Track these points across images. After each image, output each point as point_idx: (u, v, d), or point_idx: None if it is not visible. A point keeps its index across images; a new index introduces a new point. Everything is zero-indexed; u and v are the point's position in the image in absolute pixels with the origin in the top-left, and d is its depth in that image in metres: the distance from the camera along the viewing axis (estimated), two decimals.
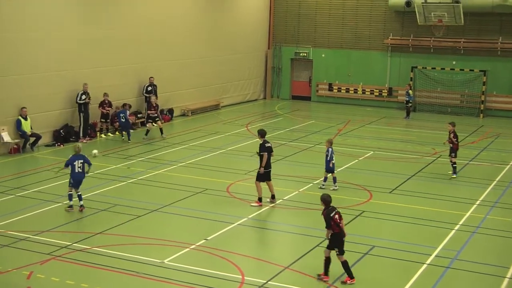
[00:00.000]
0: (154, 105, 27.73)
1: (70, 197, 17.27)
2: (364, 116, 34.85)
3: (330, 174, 20.18)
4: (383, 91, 38.20)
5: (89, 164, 17.57)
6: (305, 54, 40.17)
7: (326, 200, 13.24)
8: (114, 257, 13.97)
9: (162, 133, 27.40)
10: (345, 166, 23.11)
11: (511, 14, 34.78)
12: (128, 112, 26.89)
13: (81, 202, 17.27)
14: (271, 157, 18.38)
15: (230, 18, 36.83)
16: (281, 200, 18.62)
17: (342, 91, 39.27)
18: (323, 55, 39.74)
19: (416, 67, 37.10)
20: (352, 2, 38.62)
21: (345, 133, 29.68)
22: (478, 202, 19.06)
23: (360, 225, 16.84)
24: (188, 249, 14.68)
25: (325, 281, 13.14)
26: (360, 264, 14.11)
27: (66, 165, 17.38)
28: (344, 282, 13.10)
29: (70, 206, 17.23)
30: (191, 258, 14.22)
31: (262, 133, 18.36)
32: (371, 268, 14.05)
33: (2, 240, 14.87)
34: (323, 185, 20.12)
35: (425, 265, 14.16)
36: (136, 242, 15.06)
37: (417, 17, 34.93)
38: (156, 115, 27.65)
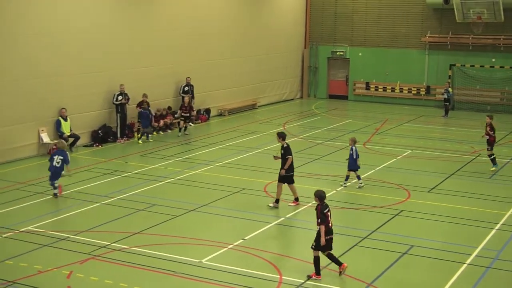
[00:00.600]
0: (186, 105, 27.97)
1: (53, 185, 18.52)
2: (402, 114, 34.56)
3: (354, 172, 19.99)
4: (421, 89, 37.83)
5: (67, 163, 18.55)
6: (342, 53, 39.99)
7: (321, 196, 13.40)
8: (152, 257, 14.06)
9: (185, 129, 27.97)
10: (383, 165, 22.95)
11: None
12: (148, 111, 26.81)
13: (55, 191, 18.46)
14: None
15: (266, 18, 36.84)
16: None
17: (379, 90, 39.02)
18: (360, 54, 39.53)
19: (454, 65, 36.66)
20: (388, 0, 38.33)
21: (383, 132, 29.48)
22: None
23: (398, 225, 16.69)
24: (225, 248, 14.71)
25: (318, 279, 13.11)
26: (399, 264, 13.99)
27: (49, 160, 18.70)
28: (309, 277, 13.09)
29: (55, 194, 18.56)
30: (228, 257, 14.24)
31: (283, 136, 18.14)
32: (410, 268, 13.91)
33: (43, 240, 15.07)
34: (345, 183, 20.01)
35: (465, 265, 13.97)
36: (173, 242, 15.13)
37: (456, 14, 34.55)
38: (187, 114, 27.93)
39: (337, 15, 39.91)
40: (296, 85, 40.60)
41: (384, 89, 38.90)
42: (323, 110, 36.44)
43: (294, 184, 18.07)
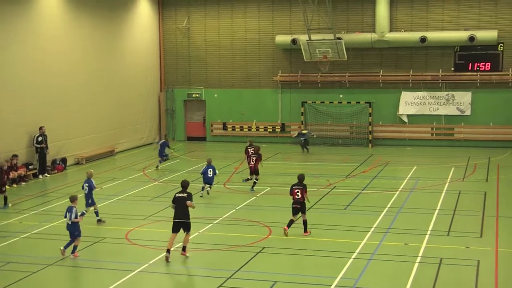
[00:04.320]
0: None
1: None
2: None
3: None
4: (276, 127, 39.03)
5: None
6: (197, 95, 40.58)
7: (299, 177, 19.79)
8: None
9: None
10: (244, 204, 23.43)
11: (389, 49, 36.55)
12: None
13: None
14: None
15: (120, 63, 36.81)
16: (181, 243, 18.62)
17: (236, 129, 39.84)
18: (215, 95, 40.28)
19: (306, 102, 38.19)
20: (240, 42, 39.46)
21: (242, 171, 30.06)
22: (372, 229, 19.75)
23: (261, 262, 17.09)
24: None
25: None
26: None
27: None
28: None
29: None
30: None
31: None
32: None
33: None
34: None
35: None
36: None
37: (303, 54, 36.09)
38: None
39: (191, 58, 40.55)
40: (154, 129, 40.67)
41: (241, 128, 39.77)
42: (182, 152, 36.68)
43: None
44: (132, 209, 22.89)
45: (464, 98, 35.90)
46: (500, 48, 35.04)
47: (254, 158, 25.96)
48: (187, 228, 17.50)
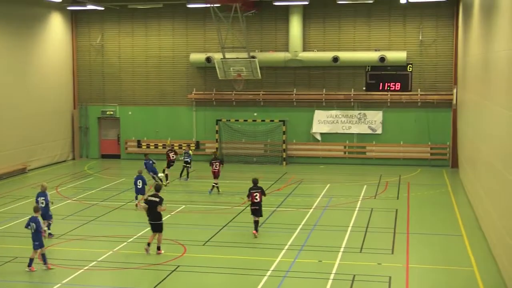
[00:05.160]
0: None
1: None
2: (174, 170, 35.15)
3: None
4: (191, 145, 38.95)
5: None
6: (111, 112, 40.14)
7: (253, 181, 21.52)
8: None
9: None
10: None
11: (302, 68, 37.19)
12: None
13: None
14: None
15: (31, 80, 36.02)
16: (95, 262, 18.40)
17: (151, 147, 39.58)
18: (130, 113, 39.95)
19: (220, 120, 38.37)
20: (154, 60, 39.33)
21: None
22: (286, 247, 19.99)
23: (176, 281, 17.04)
24: None
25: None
26: None
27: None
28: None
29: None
30: None
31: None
32: None
33: None
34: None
35: None
36: None
37: (218, 72, 36.29)
38: None
39: (105, 75, 40.11)
40: (67, 146, 39.90)
41: (156, 146, 39.54)
42: (96, 170, 36.16)
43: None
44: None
45: (375, 117, 36.89)
46: (409, 69, 36.23)
47: (217, 163, 28.71)
48: (158, 229, 19.38)
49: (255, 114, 38.13)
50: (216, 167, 28.55)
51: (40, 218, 18.20)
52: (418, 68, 36.25)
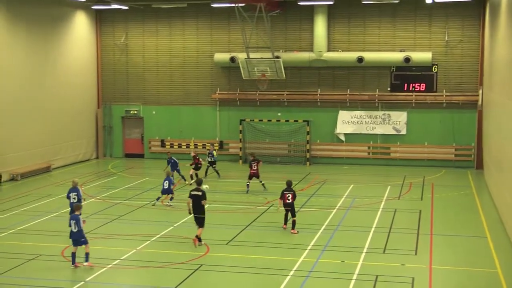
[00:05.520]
0: None
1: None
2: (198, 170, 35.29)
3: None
4: (214, 144, 38.97)
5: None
6: (135, 112, 40.31)
7: (287, 183, 22.28)
8: None
9: None
10: (181, 221, 23.31)
11: (326, 68, 37.09)
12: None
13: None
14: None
15: (56, 79, 36.28)
16: (118, 260, 18.48)
17: (174, 146, 39.69)
18: (153, 112, 40.10)
19: (244, 120, 38.38)
20: (178, 59, 39.44)
21: (180, 188, 29.94)
22: (309, 247, 19.93)
23: (198, 280, 17.05)
24: None
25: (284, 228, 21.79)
26: None
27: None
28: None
29: None
30: None
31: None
32: None
33: None
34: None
35: None
36: None
37: (242, 72, 36.30)
38: None
39: (129, 75, 40.30)
40: (91, 145, 40.16)
41: (179, 145, 39.65)
42: (120, 169, 36.34)
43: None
44: (68, 228, 22.45)
45: (400, 118, 36.67)
46: (435, 69, 35.98)
47: (255, 163, 29.06)
48: (200, 223, 20.20)
49: (279, 114, 38.07)
50: (255, 167, 28.81)
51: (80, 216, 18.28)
52: (443, 69, 35.98)
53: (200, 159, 31.71)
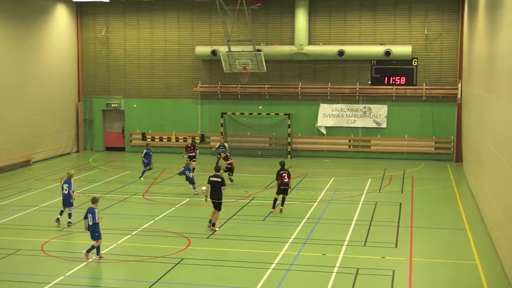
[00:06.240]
0: None
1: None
2: (179, 163, 35.14)
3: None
4: (195, 138, 38.98)
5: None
6: (116, 105, 40.15)
7: (281, 163, 23.68)
8: None
9: None
10: (163, 215, 23.30)
11: (307, 61, 37.15)
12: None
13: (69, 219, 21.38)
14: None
15: (36, 72, 36.03)
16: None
17: (155, 140, 39.60)
18: (134, 105, 39.96)
19: (225, 113, 38.36)
20: (159, 53, 39.31)
21: (161, 181, 29.91)
22: (291, 240, 19.99)
23: (179, 273, 17.05)
24: None
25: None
26: None
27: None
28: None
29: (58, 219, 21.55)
30: None
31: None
32: None
33: None
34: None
35: None
36: None
37: (223, 65, 36.27)
38: None
39: (110, 68, 40.12)
40: (71, 138, 39.93)
41: (161, 139, 39.57)
42: (101, 163, 36.20)
43: None
44: (48, 221, 22.38)
45: (380, 111, 36.83)
46: (414, 63, 36.16)
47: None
48: (218, 207, 21.11)
49: (260, 107, 38.11)
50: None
51: (96, 210, 18.43)
52: (423, 63, 36.18)
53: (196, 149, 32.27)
